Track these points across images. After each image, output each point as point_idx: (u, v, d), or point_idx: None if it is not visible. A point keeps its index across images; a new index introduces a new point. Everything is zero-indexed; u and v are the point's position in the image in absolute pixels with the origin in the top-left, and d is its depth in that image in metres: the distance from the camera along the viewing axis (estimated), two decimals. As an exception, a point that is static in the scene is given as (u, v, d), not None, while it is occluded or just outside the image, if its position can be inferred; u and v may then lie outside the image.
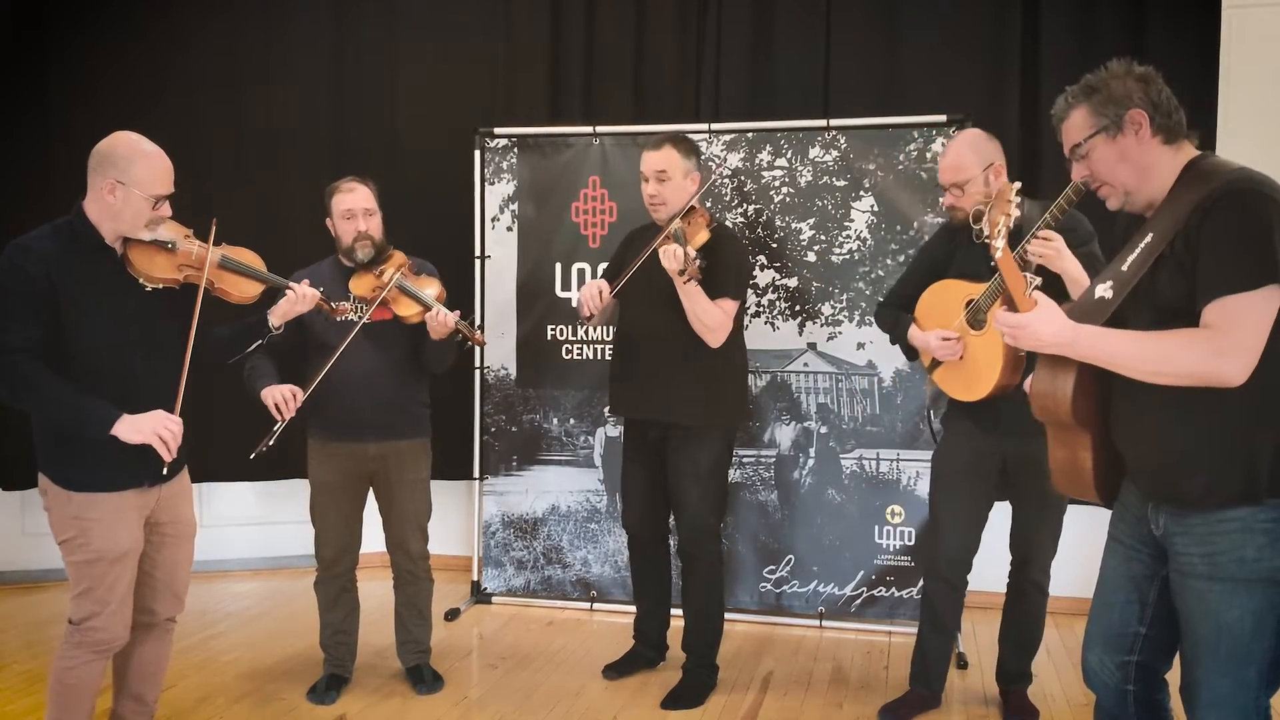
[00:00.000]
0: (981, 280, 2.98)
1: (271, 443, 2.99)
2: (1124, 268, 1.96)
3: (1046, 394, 2.02)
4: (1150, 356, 1.85)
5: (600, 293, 3.28)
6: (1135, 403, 1.95)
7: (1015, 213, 1.90)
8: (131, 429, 2.45)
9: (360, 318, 3.19)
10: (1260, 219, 1.79)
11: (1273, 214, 1.79)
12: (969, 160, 2.97)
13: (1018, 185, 1.97)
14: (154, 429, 2.47)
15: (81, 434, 2.47)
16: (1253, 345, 1.79)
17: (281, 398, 3.03)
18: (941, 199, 3.08)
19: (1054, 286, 2.76)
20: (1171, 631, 2.06)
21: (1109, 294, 1.97)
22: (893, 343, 3.33)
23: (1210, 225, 1.81)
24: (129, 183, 2.49)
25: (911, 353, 3.25)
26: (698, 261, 3.12)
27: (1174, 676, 2.07)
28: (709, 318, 3.21)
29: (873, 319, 3.56)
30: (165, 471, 2.53)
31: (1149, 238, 1.92)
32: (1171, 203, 1.91)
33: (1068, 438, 2.07)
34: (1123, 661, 2.10)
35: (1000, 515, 3.19)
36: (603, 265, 4.01)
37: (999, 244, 1.86)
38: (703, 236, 3.24)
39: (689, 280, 3.11)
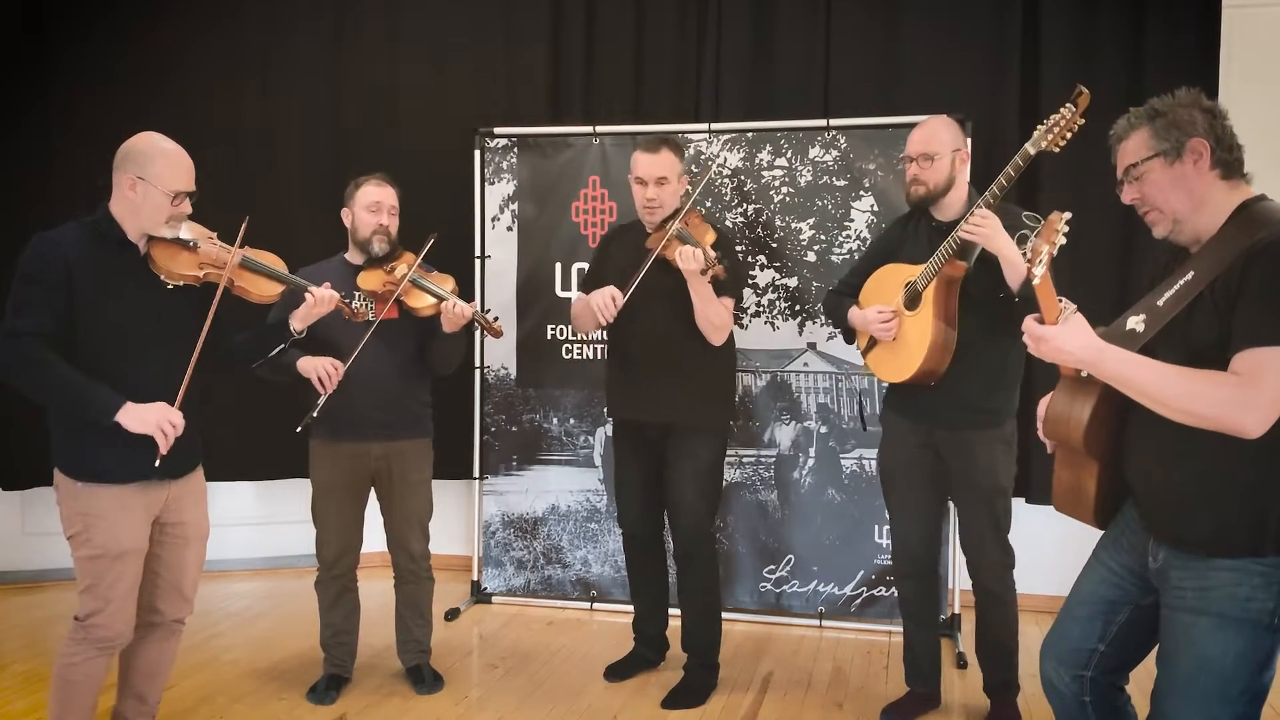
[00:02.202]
0: (923, 263, 2.99)
1: (316, 415, 3.09)
2: (1160, 302, 1.92)
3: (1061, 418, 2.01)
4: (1174, 391, 1.80)
5: (614, 299, 3.17)
6: (1152, 440, 1.93)
7: (1061, 241, 1.90)
8: (135, 418, 2.48)
9: (372, 317, 3.22)
10: None
11: None
12: (945, 137, 3.00)
13: (1067, 215, 1.95)
14: (157, 421, 2.49)
15: (84, 420, 2.49)
16: (1276, 400, 1.74)
17: (325, 371, 3.09)
18: (907, 171, 3.06)
19: (991, 264, 2.81)
20: (1129, 652, 2.08)
21: (1140, 327, 1.93)
22: (835, 326, 3.36)
23: (1253, 274, 1.77)
24: (149, 178, 2.55)
25: (850, 335, 3.30)
26: (720, 260, 3.12)
27: (1140, 682, 2.07)
28: (719, 317, 3.22)
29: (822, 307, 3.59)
30: (157, 464, 2.52)
31: (1189, 275, 1.88)
32: (1218, 243, 1.87)
33: (1075, 461, 2.07)
34: (1077, 675, 2.12)
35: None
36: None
37: (1039, 270, 1.86)
38: (711, 236, 3.24)
39: (711, 279, 3.11)
